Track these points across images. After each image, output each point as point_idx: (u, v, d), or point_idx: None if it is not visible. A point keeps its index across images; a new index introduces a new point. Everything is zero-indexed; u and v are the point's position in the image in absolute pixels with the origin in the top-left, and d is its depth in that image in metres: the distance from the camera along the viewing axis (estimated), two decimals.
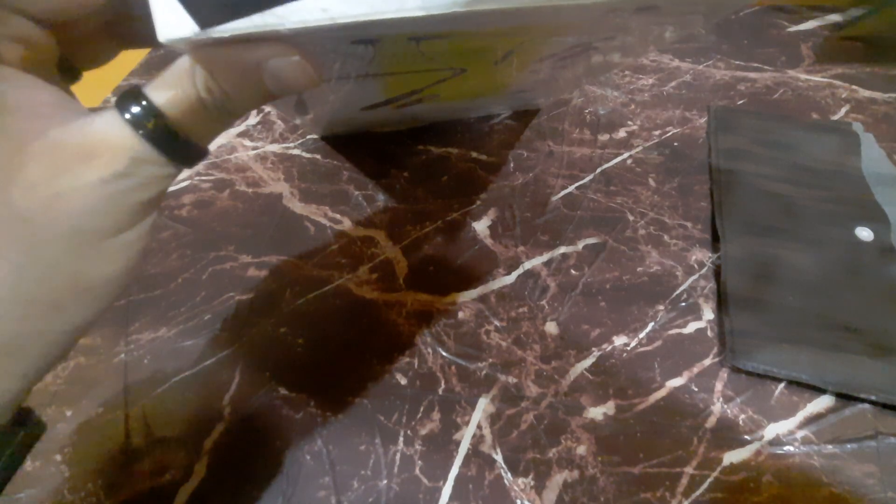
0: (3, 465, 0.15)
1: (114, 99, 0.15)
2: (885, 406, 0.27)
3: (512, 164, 0.39)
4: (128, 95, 0.14)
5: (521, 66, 0.28)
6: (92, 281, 0.14)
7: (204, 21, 0.13)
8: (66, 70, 0.17)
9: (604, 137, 0.41)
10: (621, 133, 0.42)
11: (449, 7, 0.15)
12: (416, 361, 0.29)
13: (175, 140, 0.15)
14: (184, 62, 0.14)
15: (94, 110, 0.15)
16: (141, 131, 0.14)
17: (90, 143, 0.14)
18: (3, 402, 0.14)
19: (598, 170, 0.39)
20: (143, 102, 0.14)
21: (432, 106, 0.35)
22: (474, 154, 0.40)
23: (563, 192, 0.37)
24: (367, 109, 0.32)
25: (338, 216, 0.36)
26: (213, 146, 0.41)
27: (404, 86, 0.27)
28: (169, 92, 0.14)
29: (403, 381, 0.28)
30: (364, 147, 0.40)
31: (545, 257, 0.34)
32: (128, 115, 0.14)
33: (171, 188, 0.38)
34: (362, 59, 0.19)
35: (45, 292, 0.14)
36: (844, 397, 0.27)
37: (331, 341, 0.30)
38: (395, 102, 0.31)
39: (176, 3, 0.13)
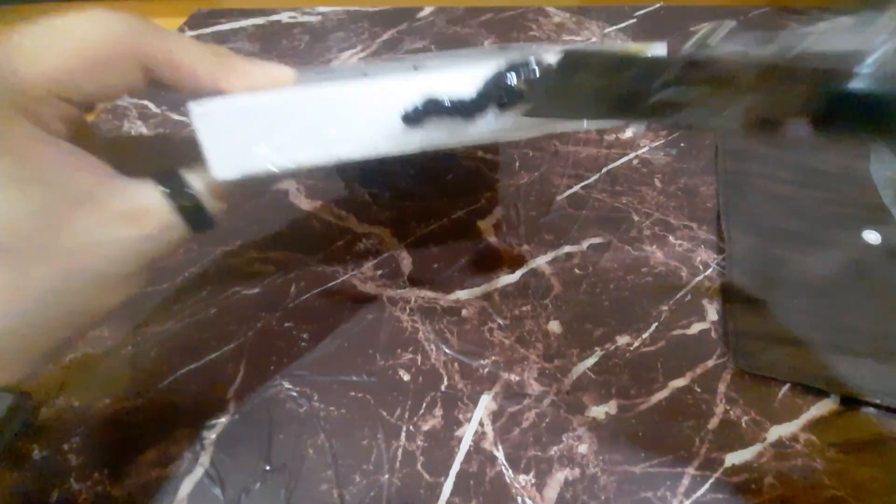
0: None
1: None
2: (889, 410, 0.27)
3: (518, 163, 0.39)
4: (167, 174, 0.18)
5: None
6: (99, 309, 0.18)
7: (245, 161, 0.18)
8: None
9: (610, 137, 0.41)
10: (627, 133, 0.42)
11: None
12: (419, 358, 0.29)
13: (202, 215, 0.19)
14: None
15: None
16: (176, 206, 0.18)
17: (131, 208, 0.17)
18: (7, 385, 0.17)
19: (604, 170, 0.39)
20: (179, 182, 0.18)
21: None
22: (480, 153, 0.40)
23: (568, 192, 0.37)
24: None
25: (343, 213, 0.36)
26: None
27: None
28: (204, 179, 0.18)
29: (406, 378, 0.28)
30: None
31: (549, 256, 0.34)
32: (165, 191, 0.18)
33: None
34: None
35: (62, 313, 0.17)
36: (849, 400, 0.27)
37: (335, 337, 0.30)
38: None
39: (221, 148, 0.18)
